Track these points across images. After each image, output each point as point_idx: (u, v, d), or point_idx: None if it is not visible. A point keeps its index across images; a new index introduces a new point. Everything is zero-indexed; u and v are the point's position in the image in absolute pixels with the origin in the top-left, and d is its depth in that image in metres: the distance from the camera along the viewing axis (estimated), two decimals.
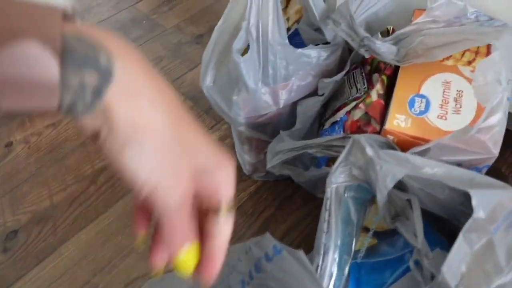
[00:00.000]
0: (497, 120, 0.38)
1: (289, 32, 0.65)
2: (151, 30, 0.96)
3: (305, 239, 0.63)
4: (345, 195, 0.41)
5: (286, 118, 0.57)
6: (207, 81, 0.53)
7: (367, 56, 0.47)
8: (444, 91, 0.46)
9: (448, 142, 0.40)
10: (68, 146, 0.77)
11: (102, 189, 0.71)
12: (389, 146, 0.43)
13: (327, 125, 0.60)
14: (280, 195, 0.68)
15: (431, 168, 0.36)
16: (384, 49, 0.44)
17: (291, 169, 0.50)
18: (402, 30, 0.47)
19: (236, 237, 0.64)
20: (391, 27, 0.54)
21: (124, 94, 0.19)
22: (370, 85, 0.55)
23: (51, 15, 0.16)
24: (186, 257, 0.22)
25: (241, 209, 0.67)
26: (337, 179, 0.39)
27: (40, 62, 0.16)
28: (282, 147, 0.48)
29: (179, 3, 1.03)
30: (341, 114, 0.57)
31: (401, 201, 0.40)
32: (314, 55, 0.50)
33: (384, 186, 0.36)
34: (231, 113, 0.53)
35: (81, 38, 0.17)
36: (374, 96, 0.47)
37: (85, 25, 0.18)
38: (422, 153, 0.41)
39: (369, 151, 0.38)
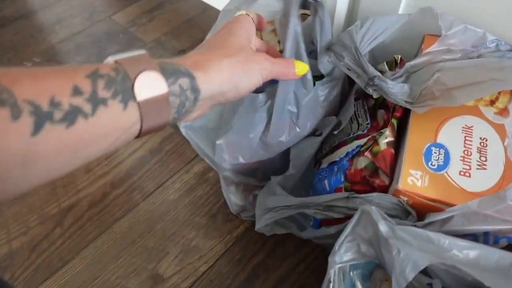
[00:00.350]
0: None
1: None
2: (129, 44, 0.88)
3: None
4: (351, 273, 0.33)
5: (279, 160, 0.49)
6: None
7: (375, 96, 0.40)
8: (465, 140, 0.39)
9: (476, 209, 0.32)
10: None
11: (69, 232, 0.62)
12: (403, 210, 0.36)
13: (324, 163, 0.52)
14: (271, 238, 0.60)
15: (459, 251, 0.29)
16: (396, 89, 0.37)
17: (284, 229, 0.42)
18: (412, 62, 0.40)
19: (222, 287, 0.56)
20: (399, 57, 0.46)
21: (205, 82, 0.28)
22: (374, 122, 0.48)
23: (145, 57, 0.26)
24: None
25: (227, 255, 0.59)
26: (342, 258, 0.32)
27: (154, 82, 0.25)
28: (274, 203, 0.41)
29: (160, 14, 0.94)
30: (341, 153, 0.50)
31: (421, 285, 0.32)
32: (310, 97, 0.42)
33: (402, 278, 0.28)
34: (215, 158, 0.45)
35: (166, 62, 0.27)
36: (382, 144, 0.40)
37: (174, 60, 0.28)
38: (443, 222, 0.34)
39: (383, 228, 0.30)
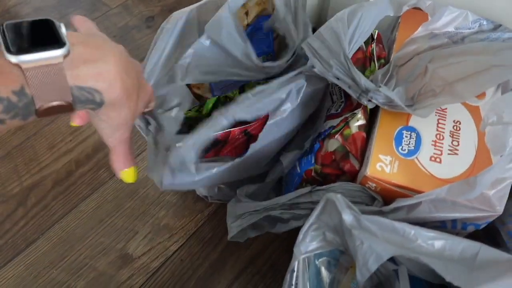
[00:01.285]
0: (511, 173, 0.30)
1: (248, 28, 0.53)
2: (93, 9, 0.81)
3: (272, 268, 0.56)
4: (316, 261, 0.33)
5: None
6: None
7: (370, 106, 0.38)
8: (438, 123, 0.37)
9: (445, 196, 0.32)
10: None
11: (33, 212, 0.60)
12: (369, 197, 0.35)
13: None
14: None
15: (424, 241, 0.28)
16: (393, 97, 0.35)
17: (257, 231, 0.41)
18: (399, 53, 0.37)
19: (192, 268, 0.55)
20: (376, 32, 0.44)
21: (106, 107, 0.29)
22: (348, 101, 0.46)
23: (60, 78, 0.25)
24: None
25: (198, 234, 0.58)
26: (307, 248, 0.31)
27: (61, 109, 0.26)
28: (241, 210, 0.39)
29: None
30: (313, 132, 0.48)
31: (386, 270, 0.32)
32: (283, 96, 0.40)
33: (365, 268, 0.27)
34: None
35: (82, 87, 0.26)
36: (354, 127, 0.38)
37: (81, 67, 0.26)
38: (410, 208, 0.33)
39: (347, 217, 0.29)
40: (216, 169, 0.40)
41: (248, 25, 0.53)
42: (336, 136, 0.39)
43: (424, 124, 0.37)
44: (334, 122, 0.44)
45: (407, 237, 0.29)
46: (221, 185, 0.52)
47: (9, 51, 0.24)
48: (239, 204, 0.42)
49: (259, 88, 0.40)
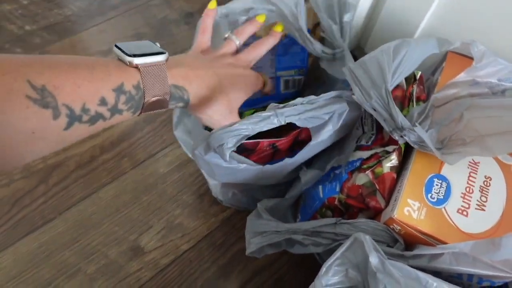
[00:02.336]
0: None
1: (285, 39, 0.55)
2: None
3: (278, 281, 0.57)
4: None
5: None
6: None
7: (400, 142, 0.39)
8: (469, 176, 0.38)
9: (468, 252, 0.32)
10: None
11: (53, 191, 0.61)
12: (391, 238, 0.36)
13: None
14: None
15: None
16: (426, 138, 0.35)
17: (274, 249, 0.42)
18: (438, 95, 0.38)
19: (200, 270, 0.57)
20: (419, 73, 0.44)
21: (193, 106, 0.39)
22: (380, 134, 0.47)
23: (163, 76, 0.33)
24: None
25: (209, 237, 0.59)
26: (328, 281, 0.32)
27: (160, 103, 0.34)
28: (263, 228, 0.40)
29: None
30: (340, 160, 0.49)
31: None
32: (325, 117, 0.41)
33: None
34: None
35: (176, 85, 0.35)
36: (386, 167, 0.39)
37: (174, 69, 0.35)
38: (432, 257, 0.34)
39: (374, 260, 0.30)
40: (244, 166, 0.40)
41: (285, 35, 0.54)
42: (367, 172, 0.40)
43: (456, 175, 0.38)
44: (364, 154, 0.45)
45: None
46: (235, 190, 0.53)
47: (127, 55, 0.31)
48: (260, 220, 0.43)
49: (310, 97, 0.41)
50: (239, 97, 0.43)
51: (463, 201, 0.36)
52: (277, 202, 0.48)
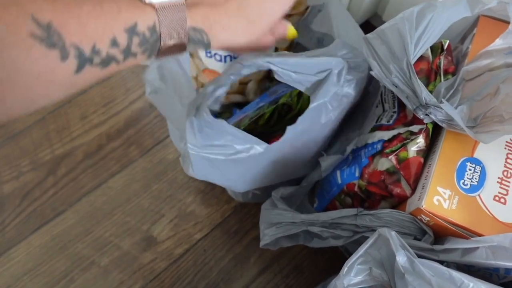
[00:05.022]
0: None
1: None
2: None
3: (295, 269, 0.55)
4: None
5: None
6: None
7: (426, 121, 0.34)
8: (507, 157, 0.34)
9: (508, 245, 0.29)
10: (23, 121, 0.64)
11: (63, 182, 0.60)
12: (419, 229, 0.32)
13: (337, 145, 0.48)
14: None
15: None
16: (454, 115, 0.31)
17: (291, 242, 0.39)
18: (469, 67, 0.33)
19: (215, 259, 0.55)
20: (447, 42, 0.39)
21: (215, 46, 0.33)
22: (402, 113, 0.42)
23: (181, 17, 0.29)
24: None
25: (224, 225, 0.57)
26: (350, 281, 0.29)
27: (178, 49, 0.30)
28: (278, 218, 0.37)
29: None
30: (359, 142, 0.45)
31: None
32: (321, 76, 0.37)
33: None
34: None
35: (195, 28, 0.30)
36: (411, 151, 0.35)
37: (193, 10, 0.30)
38: (465, 251, 0.31)
39: (401, 259, 0.27)
40: (249, 154, 0.37)
41: None
42: (390, 157, 0.36)
43: (491, 157, 0.34)
44: (385, 135, 0.41)
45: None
46: (255, 190, 0.50)
47: None
48: (275, 210, 0.40)
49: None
50: (266, 20, 0.35)
51: (500, 187, 0.32)
52: (293, 190, 0.45)
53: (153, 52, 0.29)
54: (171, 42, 0.29)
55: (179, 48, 0.30)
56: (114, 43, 0.26)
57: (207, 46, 0.32)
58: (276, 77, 0.37)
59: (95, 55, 0.25)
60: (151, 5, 0.27)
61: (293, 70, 0.36)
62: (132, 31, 0.26)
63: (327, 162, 0.45)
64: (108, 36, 0.26)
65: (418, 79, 0.34)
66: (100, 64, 0.26)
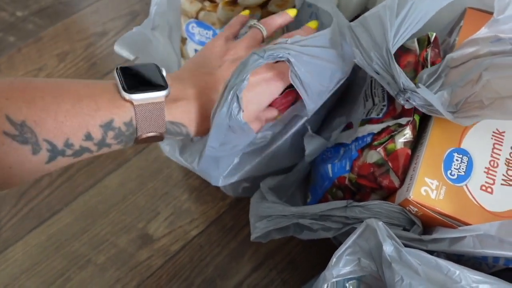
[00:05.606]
0: None
1: None
2: None
3: (290, 264, 0.55)
4: (346, 284, 0.31)
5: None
6: None
7: (407, 106, 0.35)
8: (494, 147, 0.34)
9: (494, 234, 0.29)
10: None
11: (58, 182, 0.60)
12: (407, 220, 0.33)
13: (329, 142, 0.48)
14: None
15: (468, 284, 0.27)
16: (434, 101, 0.31)
17: (281, 233, 0.40)
18: (454, 54, 0.34)
19: (211, 255, 0.55)
20: (434, 35, 0.40)
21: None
22: (391, 106, 0.43)
23: (161, 114, 0.30)
24: None
25: (219, 221, 0.58)
26: (339, 272, 0.30)
27: (155, 138, 0.32)
28: (268, 212, 0.38)
29: None
30: (349, 135, 0.45)
31: None
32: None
33: None
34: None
35: (173, 122, 0.32)
36: (399, 143, 0.35)
37: (173, 106, 0.32)
38: (453, 241, 0.31)
39: (388, 249, 0.27)
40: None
41: None
42: (378, 149, 0.37)
43: (478, 147, 0.34)
44: (375, 128, 0.42)
45: (450, 277, 0.27)
46: (245, 183, 0.50)
47: (124, 89, 0.29)
48: (264, 203, 0.40)
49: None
50: (255, 107, 0.36)
51: (487, 177, 0.33)
52: (281, 179, 0.45)
53: (128, 142, 0.31)
54: (148, 134, 0.30)
55: (157, 138, 0.32)
56: (88, 137, 0.28)
57: (186, 136, 0.34)
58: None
59: (68, 148, 0.27)
60: (130, 102, 0.29)
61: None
62: (107, 126, 0.28)
63: (311, 145, 0.45)
64: (82, 132, 0.27)
65: (396, 64, 0.34)
66: (73, 155, 0.28)
